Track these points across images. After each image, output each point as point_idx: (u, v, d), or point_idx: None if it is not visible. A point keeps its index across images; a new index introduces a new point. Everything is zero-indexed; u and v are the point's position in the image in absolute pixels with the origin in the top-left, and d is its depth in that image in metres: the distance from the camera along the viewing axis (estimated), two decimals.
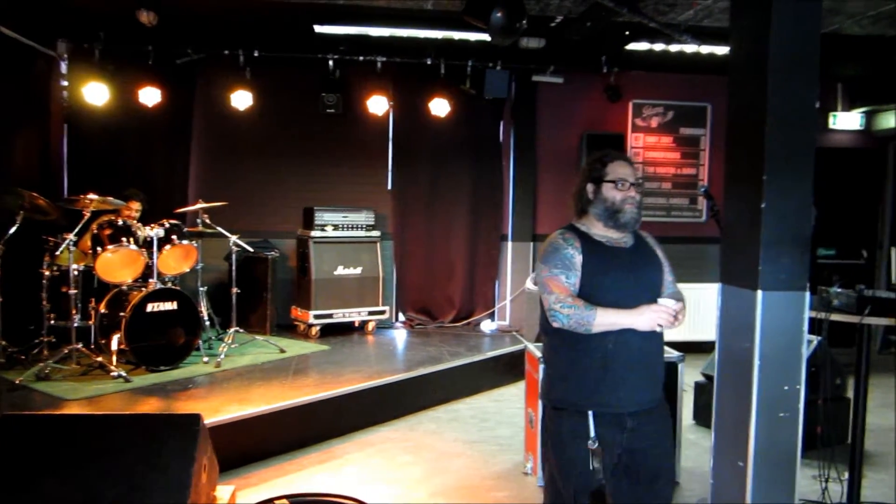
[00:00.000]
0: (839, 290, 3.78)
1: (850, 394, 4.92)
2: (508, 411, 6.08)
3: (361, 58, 7.71)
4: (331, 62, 7.68)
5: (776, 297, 3.38)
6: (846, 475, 3.89)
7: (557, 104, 8.44)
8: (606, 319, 2.64)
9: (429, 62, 7.75)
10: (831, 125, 8.79)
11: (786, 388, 3.40)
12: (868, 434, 4.15)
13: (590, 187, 2.84)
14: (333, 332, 7.56)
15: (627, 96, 8.40)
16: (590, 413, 2.68)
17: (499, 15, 5.03)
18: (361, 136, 8.18)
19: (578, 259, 2.73)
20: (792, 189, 3.42)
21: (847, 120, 8.87)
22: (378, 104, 7.86)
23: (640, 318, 2.70)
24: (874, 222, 9.07)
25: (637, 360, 2.74)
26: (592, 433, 2.64)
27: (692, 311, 8.34)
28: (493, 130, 8.52)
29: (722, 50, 7.38)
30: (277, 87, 7.88)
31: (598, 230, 2.83)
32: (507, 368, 7.06)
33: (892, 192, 9.02)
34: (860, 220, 8.99)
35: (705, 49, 7.30)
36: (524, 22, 5.13)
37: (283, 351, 6.68)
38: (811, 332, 3.62)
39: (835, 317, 3.60)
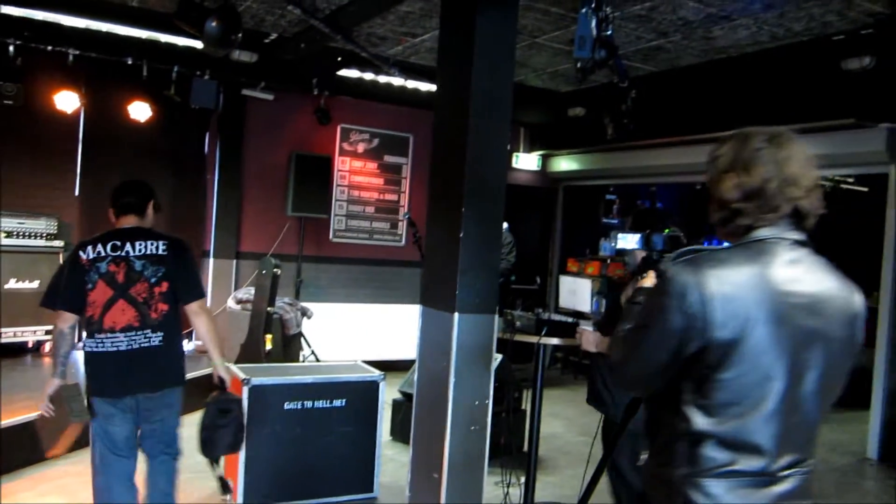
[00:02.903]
0: (521, 312, 4.21)
1: (525, 405, 5.51)
2: None
3: (50, 47, 6.93)
4: (11, 47, 6.77)
5: (470, 318, 3.69)
6: (522, 479, 4.32)
7: (267, 121, 8.35)
8: None
9: (130, 62, 7.20)
10: (514, 164, 9.81)
11: (476, 402, 3.72)
12: (540, 441, 4.66)
13: None
14: (2, 353, 6.60)
15: (336, 120, 8.57)
16: None
17: (213, 24, 4.87)
18: (46, 134, 7.31)
19: None
20: (485, 221, 3.77)
21: (527, 160, 9.97)
22: (67, 100, 7.10)
23: None
24: (546, 253, 10.29)
25: None
26: None
27: (391, 330, 8.76)
28: (198, 141, 8.17)
29: (425, 86, 7.90)
30: None
31: None
32: (205, 391, 6.71)
33: (561, 228, 10.31)
34: (536, 250, 10.14)
35: (411, 84, 7.76)
36: (239, 35, 5.03)
37: None
38: (497, 350, 4.00)
39: (518, 337, 4.00)
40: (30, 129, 7.20)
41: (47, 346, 6.96)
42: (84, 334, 3.42)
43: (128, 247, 3.33)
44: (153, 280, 3.33)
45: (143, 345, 3.28)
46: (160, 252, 3.36)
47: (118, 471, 3.35)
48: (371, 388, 4.81)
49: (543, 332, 3.95)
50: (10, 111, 6.89)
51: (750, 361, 1.57)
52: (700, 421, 1.61)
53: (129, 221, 3.44)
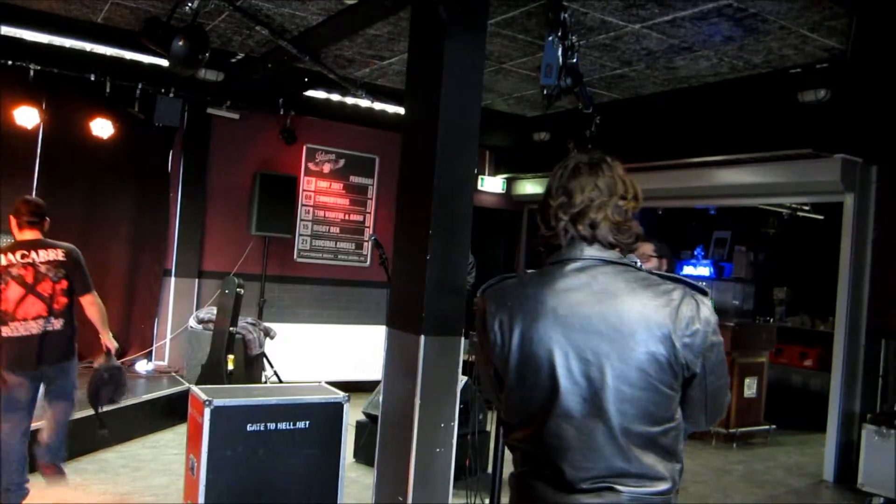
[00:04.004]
0: None
1: (489, 427, 5.52)
2: (165, 458, 5.74)
3: (10, 62, 6.86)
4: None
5: (436, 341, 3.72)
6: (487, 501, 4.34)
7: (232, 140, 8.34)
8: None
9: (93, 78, 7.16)
10: (479, 187, 9.90)
11: (442, 424, 3.75)
12: (505, 463, 4.68)
13: None
14: None
15: (302, 140, 8.59)
16: None
17: (180, 44, 4.88)
18: (3, 150, 7.18)
19: None
20: (452, 244, 3.82)
21: (492, 183, 10.08)
22: (27, 116, 7.01)
23: None
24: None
25: None
26: None
27: (355, 351, 8.75)
28: (161, 159, 8.11)
29: (392, 108, 7.97)
30: None
31: None
32: (165, 412, 6.66)
33: (525, 250, 10.41)
34: (500, 272, 10.19)
35: (378, 106, 7.82)
36: (206, 55, 5.04)
37: None
38: (462, 372, 4.03)
39: None
40: None
41: None
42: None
43: (34, 255, 4.25)
44: (55, 279, 4.27)
45: (48, 329, 4.24)
46: (60, 258, 4.30)
47: (17, 424, 4.20)
48: (335, 410, 4.73)
49: None
50: None
51: (524, 379, 1.68)
52: (507, 431, 1.80)
53: (32, 234, 4.33)
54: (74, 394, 4.51)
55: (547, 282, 1.72)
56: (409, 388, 3.72)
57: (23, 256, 4.25)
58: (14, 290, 4.21)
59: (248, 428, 4.45)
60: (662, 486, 1.63)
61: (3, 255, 4.23)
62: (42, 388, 4.36)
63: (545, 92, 4.46)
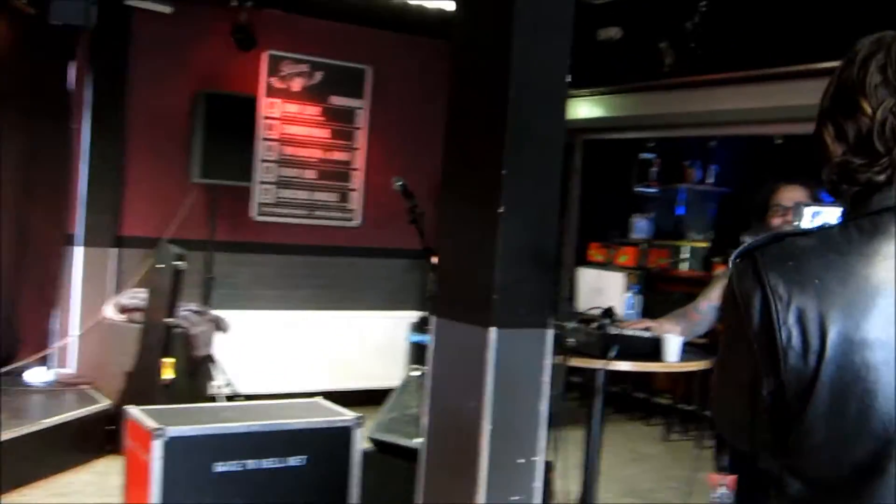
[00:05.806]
0: (575, 324, 4.04)
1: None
2: None
3: None
4: None
5: (514, 336, 3.51)
6: None
7: (162, 45, 8.13)
8: None
9: None
10: None
11: (521, 461, 3.54)
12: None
13: None
14: None
15: (263, 44, 8.39)
16: None
17: None
18: None
19: None
20: (536, 188, 3.59)
21: None
22: None
23: None
24: (558, 234, 10.14)
25: None
26: None
27: (342, 348, 8.59)
28: (59, 75, 7.91)
29: None
30: None
31: None
32: (77, 443, 6.56)
33: (579, 199, 10.15)
34: None
35: None
36: None
37: None
38: None
39: (574, 361, 3.84)
40: None
41: None
42: None
43: None
44: None
45: None
46: None
47: None
48: (342, 438, 4.71)
49: (614, 354, 3.78)
50: None
51: (845, 407, 1.42)
52: (795, 489, 1.50)
53: None
54: None
55: (878, 246, 1.45)
56: (471, 407, 3.50)
57: None
58: None
59: (218, 468, 4.40)
60: None
61: None
62: None
63: None
